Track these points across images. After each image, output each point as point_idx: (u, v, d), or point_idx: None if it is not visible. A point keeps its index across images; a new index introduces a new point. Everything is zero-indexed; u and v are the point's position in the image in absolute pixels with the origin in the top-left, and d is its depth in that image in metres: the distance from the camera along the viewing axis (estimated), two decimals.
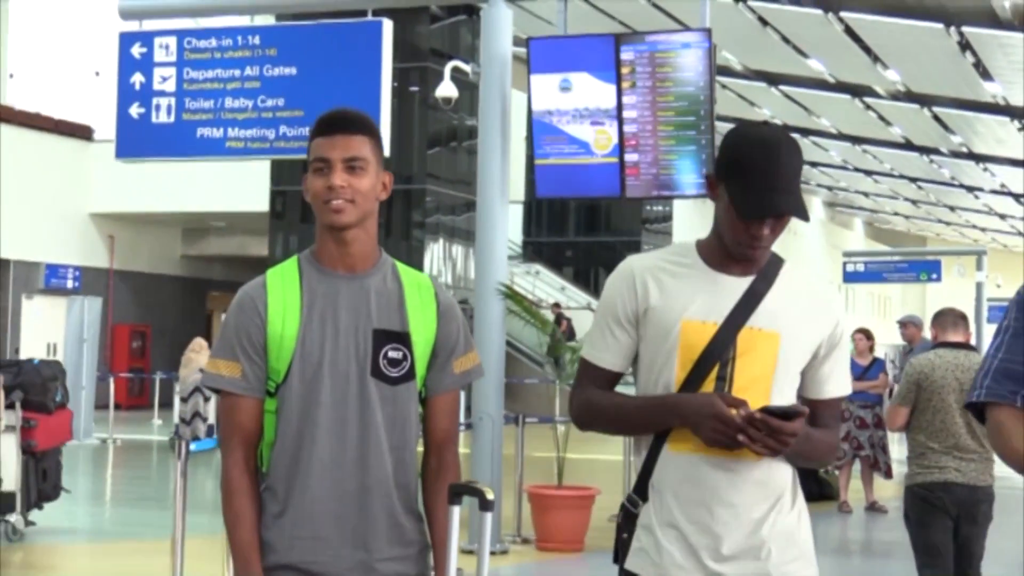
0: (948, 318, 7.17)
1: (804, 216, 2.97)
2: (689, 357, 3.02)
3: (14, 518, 10.39)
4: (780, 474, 3.07)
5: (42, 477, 10.63)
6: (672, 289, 3.06)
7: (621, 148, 10.33)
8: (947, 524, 6.79)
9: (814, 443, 3.09)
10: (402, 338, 3.16)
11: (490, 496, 2.93)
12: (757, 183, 2.94)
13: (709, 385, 3.01)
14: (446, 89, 17.31)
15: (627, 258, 3.16)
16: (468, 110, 25.88)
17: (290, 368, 3.08)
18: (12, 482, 10.36)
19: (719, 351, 3.01)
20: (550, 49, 10.65)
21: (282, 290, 3.13)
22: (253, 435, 3.11)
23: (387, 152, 10.73)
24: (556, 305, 29.67)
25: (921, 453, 6.91)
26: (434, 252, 28.55)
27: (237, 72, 11.00)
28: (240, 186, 28.04)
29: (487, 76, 10.73)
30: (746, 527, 3.01)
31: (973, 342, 7.91)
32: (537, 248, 36.43)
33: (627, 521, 3.10)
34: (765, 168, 2.95)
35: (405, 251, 27.51)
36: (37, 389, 10.59)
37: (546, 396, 16.86)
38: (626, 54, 10.25)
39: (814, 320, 3.10)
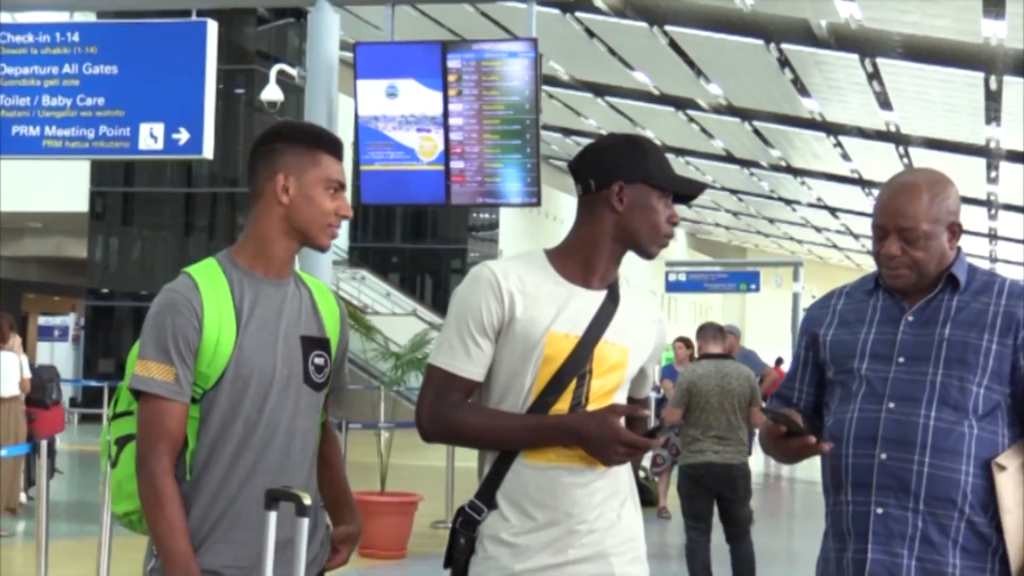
0: (709, 332, 9.00)
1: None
2: (550, 368, 3.05)
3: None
4: (624, 478, 3.16)
5: None
6: (537, 300, 3.07)
7: (447, 155, 10.36)
8: (708, 496, 8.64)
9: None
10: (324, 344, 3.20)
11: (307, 501, 2.91)
12: (667, 165, 3.13)
13: (567, 396, 3.05)
14: (272, 92, 17.16)
15: (482, 264, 3.12)
16: (294, 114, 25.64)
17: (223, 374, 3.04)
18: None
19: (578, 364, 3.06)
20: (377, 55, 10.63)
21: (214, 293, 3.07)
22: (179, 442, 3.05)
23: (211, 155, 10.66)
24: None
25: (691, 442, 8.67)
26: None
27: (55, 69, 10.73)
28: (58, 186, 27.35)
29: (313, 80, 10.67)
30: (597, 532, 3.07)
31: (787, 349, 9.99)
32: (363, 254, 36.29)
33: (466, 527, 3.10)
34: (662, 153, 3.14)
35: None
36: (37, 388, 12.77)
37: (370, 402, 16.80)
38: (453, 62, 10.29)
39: (649, 332, 3.22)
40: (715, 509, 8.78)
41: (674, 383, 12.61)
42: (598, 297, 3.12)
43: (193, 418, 3.07)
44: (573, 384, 3.06)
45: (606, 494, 3.10)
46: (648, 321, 3.22)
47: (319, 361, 3.17)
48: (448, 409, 3.09)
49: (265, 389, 3.07)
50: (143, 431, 3.05)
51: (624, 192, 3.09)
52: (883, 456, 3.11)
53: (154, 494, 3.00)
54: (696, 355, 9.15)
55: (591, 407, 3.06)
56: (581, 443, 3.00)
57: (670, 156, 35.93)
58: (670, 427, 2.97)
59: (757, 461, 9.39)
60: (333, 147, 3.18)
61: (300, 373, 3.13)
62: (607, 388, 3.10)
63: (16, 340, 12.50)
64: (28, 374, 12.35)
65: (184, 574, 2.97)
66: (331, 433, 3.42)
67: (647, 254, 3.16)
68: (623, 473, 3.15)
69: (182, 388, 3.03)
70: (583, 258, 3.13)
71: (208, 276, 3.11)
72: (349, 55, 10.79)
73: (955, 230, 3.20)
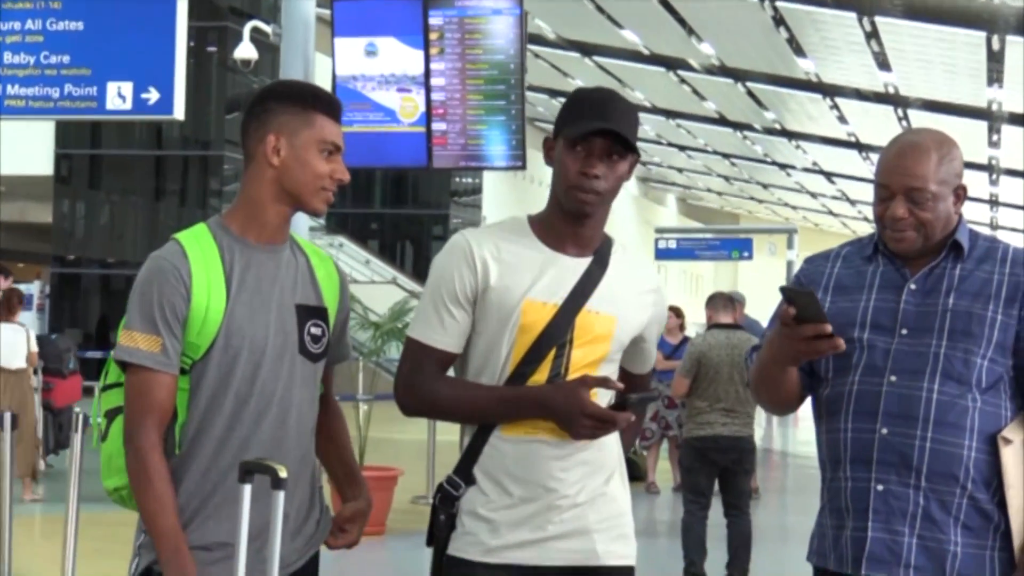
0: (719, 302, 9.15)
1: (633, 146, 3.04)
2: (527, 338, 3.05)
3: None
4: (609, 452, 3.15)
5: (58, 429, 13.61)
6: (513, 267, 3.07)
7: (428, 117, 10.32)
8: (712, 471, 8.72)
9: (638, 423, 3.28)
10: (321, 313, 3.18)
11: (283, 474, 2.90)
12: (588, 112, 3.04)
13: (545, 367, 3.05)
14: (245, 51, 17.05)
15: (459, 233, 3.15)
16: (269, 73, 25.53)
17: (213, 344, 3.02)
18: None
19: (558, 334, 3.05)
20: (355, 12, 10.57)
21: (203, 260, 3.05)
22: (168, 415, 3.03)
23: (182, 116, 10.60)
24: None
25: (697, 414, 8.75)
26: None
27: (17, 25, 10.64)
28: (22, 148, 27.20)
29: (289, 38, 10.61)
30: (579, 507, 3.07)
31: None
32: (341, 220, 36.24)
33: (445, 503, 3.11)
34: (597, 100, 3.07)
35: (201, 220, 27.05)
36: (54, 358, 13.56)
37: (347, 373, 16.80)
38: (435, 19, 10.25)
39: (644, 302, 3.19)
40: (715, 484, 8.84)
41: (664, 355, 12.72)
42: (582, 264, 3.11)
43: (183, 390, 3.06)
44: (552, 354, 3.05)
45: (590, 468, 3.10)
46: (642, 289, 3.20)
47: (315, 331, 3.16)
48: (423, 381, 3.11)
49: (257, 359, 3.06)
50: (130, 404, 3.03)
51: (553, 151, 3.12)
52: (884, 431, 3.10)
53: (142, 469, 2.98)
54: (706, 325, 9.10)
55: (572, 378, 3.05)
56: (550, 415, 3.01)
57: (660, 119, 35.99)
58: (641, 399, 2.93)
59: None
60: (329, 107, 3.15)
61: (295, 343, 3.11)
62: (590, 359, 3.08)
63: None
64: (35, 347, 12.63)
65: (173, 551, 2.96)
66: (334, 407, 3.41)
67: (568, 212, 3.09)
68: (609, 446, 3.14)
69: (170, 359, 3.01)
70: (559, 220, 3.12)
71: (197, 242, 3.09)
72: (326, 12, 10.74)
73: (960, 194, 3.18)
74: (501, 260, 3.07)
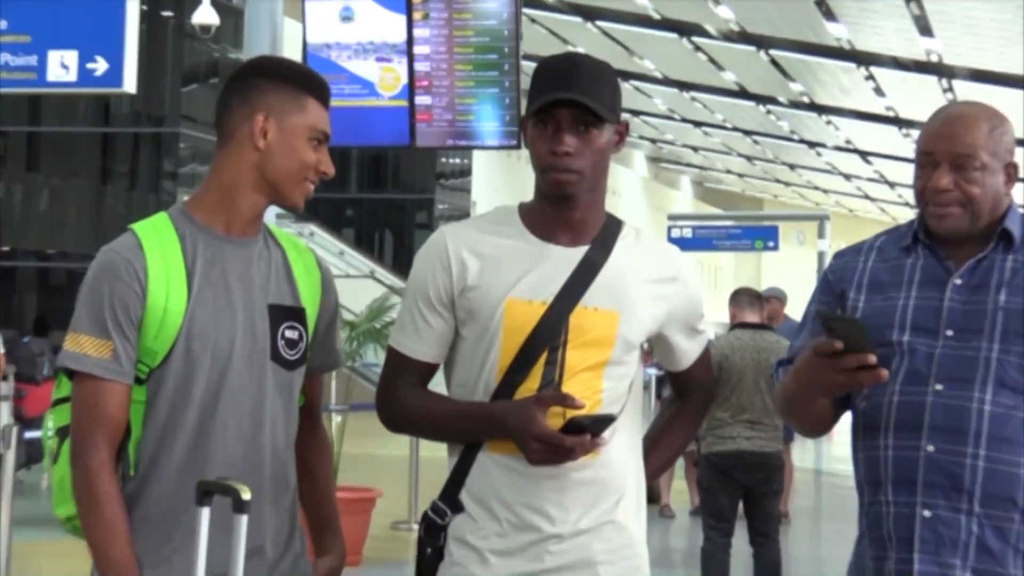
0: (744, 298, 8.96)
1: (601, 113, 3.01)
2: (515, 341, 3.03)
3: None
4: (618, 472, 3.12)
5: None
6: (495, 264, 3.06)
7: (411, 89, 10.33)
8: (735, 492, 8.57)
9: (669, 443, 3.33)
10: (298, 314, 3.16)
11: (246, 496, 2.88)
12: (549, 83, 3.02)
13: (536, 374, 3.03)
14: (205, 15, 17.07)
15: (439, 229, 3.15)
16: (232, 41, 25.57)
17: (172, 350, 2.99)
18: None
19: (548, 335, 3.03)
20: None
21: (161, 253, 3.02)
22: (120, 429, 3.00)
23: (134, 88, 10.60)
24: None
25: (717, 426, 8.53)
26: None
27: None
28: None
29: (254, 1, 10.62)
30: (581, 535, 3.06)
31: None
32: (312, 205, 36.20)
33: (431, 534, 3.10)
34: (558, 67, 3.05)
35: (154, 206, 27.05)
36: (27, 363, 13.76)
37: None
38: None
39: (657, 293, 3.15)
40: (740, 507, 8.73)
41: None
42: (576, 254, 3.09)
43: (138, 402, 3.02)
44: (543, 359, 3.03)
45: (593, 489, 3.07)
46: (655, 279, 3.15)
47: (291, 334, 3.13)
48: (396, 394, 3.13)
49: (222, 366, 3.03)
50: (77, 418, 3.00)
51: (527, 131, 3.12)
52: (930, 448, 3.07)
53: (90, 491, 2.95)
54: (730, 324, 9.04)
55: (568, 386, 3.02)
56: (505, 436, 3.00)
57: (672, 91, 36.00)
58: (595, 420, 2.88)
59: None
60: (322, 92, 3.16)
61: (266, 348, 3.09)
62: (588, 363, 3.05)
63: None
64: (2, 350, 12.91)
65: None
66: (319, 432, 3.37)
67: (549, 197, 3.08)
68: (619, 464, 3.11)
69: (121, 366, 2.97)
70: (546, 205, 3.12)
71: (156, 233, 3.05)
72: None
73: (1011, 172, 3.16)
74: (482, 256, 3.07)
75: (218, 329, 3.03)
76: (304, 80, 3.15)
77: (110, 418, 2.98)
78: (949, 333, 3.10)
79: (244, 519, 2.88)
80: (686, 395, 3.36)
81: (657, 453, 3.31)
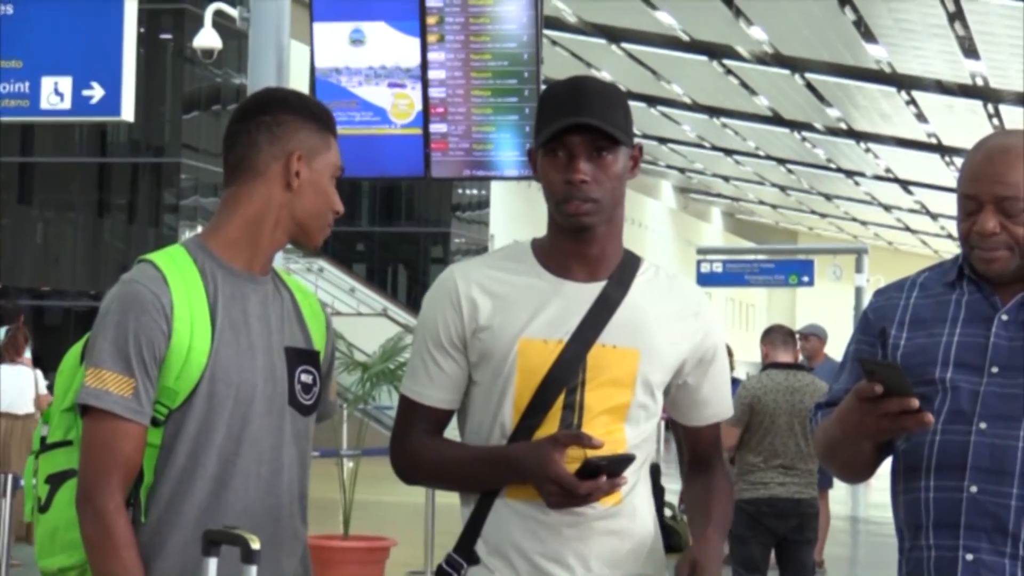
0: (777, 336, 9.04)
1: (613, 135, 3.01)
2: (530, 383, 3.03)
3: None
4: (643, 523, 3.13)
5: None
6: (508, 302, 3.06)
7: (426, 117, 10.35)
8: (767, 540, 8.67)
9: (716, 512, 3.19)
10: (313, 358, 3.18)
11: (255, 545, 2.89)
12: (557, 109, 3.03)
13: (554, 418, 3.03)
14: (207, 39, 17.13)
15: (448, 268, 3.15)
16: (235, 66, 25.67)
17: (195, 391, 2.98)
18: None
19: (565, 375, 3.03)
20: None
21: (185, 288, 3.02)
22: (135, 472, 2.98)
23: (131, 116, 10.64)
24: None
25: (749, 471, 8.65)
26: None
27: None
28: None
29: (259, 23, 10.65)
30: None
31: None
32: None
33: None
34: (565, 92, 3.06)
35: (154, 241, 27.16)
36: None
37: (329, 425, 16.82)
38: (433, 0, 10.30)
39: (679, 330, 3.14)
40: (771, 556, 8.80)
41: None
42: (593, 290, 3.09)
43: (152, 446, 3.01)
44: (560, 401, 3.03)
45: (618, 540, 3.07)
46: (677, 315, 3.15)
47: (306, 378, 3.15)
48: (410, 444, 3.14)
49: (244, 411, 3.03)
50: (91, 457, 2.97)
51: (538, 163, 3.12)
52: (973, 489, 3.08)
53: (106, 536, 2.93)
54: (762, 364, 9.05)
55: (588, 428, 3.02)
56: (523, 479, 3.00)
57: (702, 117, 36.03)
58: (612, 461, 2.87)
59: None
60: (334, 127, 3.21)
61: (285, 392, 3.10)
62: (609, 405, 3.05)
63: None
64: (44, 390, 12.85)
65: None
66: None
67: (565, 229, 3.08)
68: (643, 514, 3.13)
69: (142, 406, 2.96)
70: (561, 240, 3.12)
71: (176, 266, 3.05)
72: None
73: None
74: (494, 295, 3.07)
75: (240, 372, 3.03)
76: (327, 117, 3.19)
77: (126, 459, 2.97)
78: (994, 370, 3.11)
79: (253, 570, 2.89)
80: (706, 465, 3.27)
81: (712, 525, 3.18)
